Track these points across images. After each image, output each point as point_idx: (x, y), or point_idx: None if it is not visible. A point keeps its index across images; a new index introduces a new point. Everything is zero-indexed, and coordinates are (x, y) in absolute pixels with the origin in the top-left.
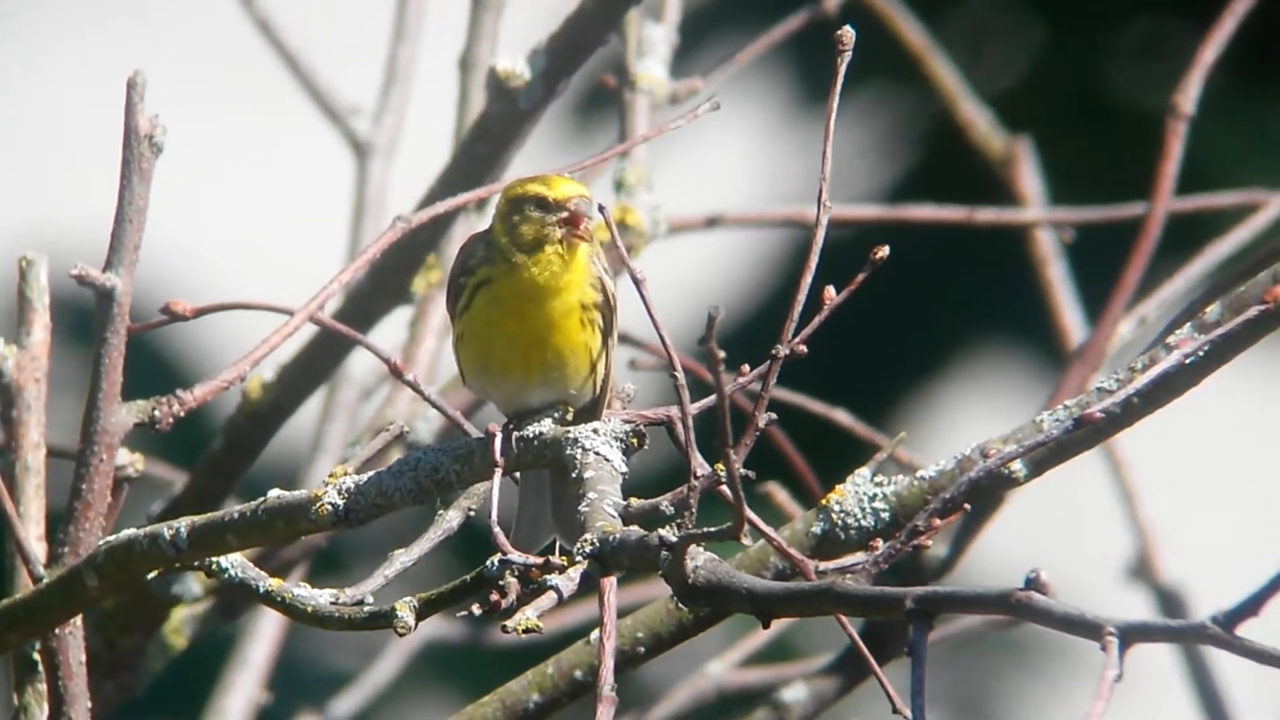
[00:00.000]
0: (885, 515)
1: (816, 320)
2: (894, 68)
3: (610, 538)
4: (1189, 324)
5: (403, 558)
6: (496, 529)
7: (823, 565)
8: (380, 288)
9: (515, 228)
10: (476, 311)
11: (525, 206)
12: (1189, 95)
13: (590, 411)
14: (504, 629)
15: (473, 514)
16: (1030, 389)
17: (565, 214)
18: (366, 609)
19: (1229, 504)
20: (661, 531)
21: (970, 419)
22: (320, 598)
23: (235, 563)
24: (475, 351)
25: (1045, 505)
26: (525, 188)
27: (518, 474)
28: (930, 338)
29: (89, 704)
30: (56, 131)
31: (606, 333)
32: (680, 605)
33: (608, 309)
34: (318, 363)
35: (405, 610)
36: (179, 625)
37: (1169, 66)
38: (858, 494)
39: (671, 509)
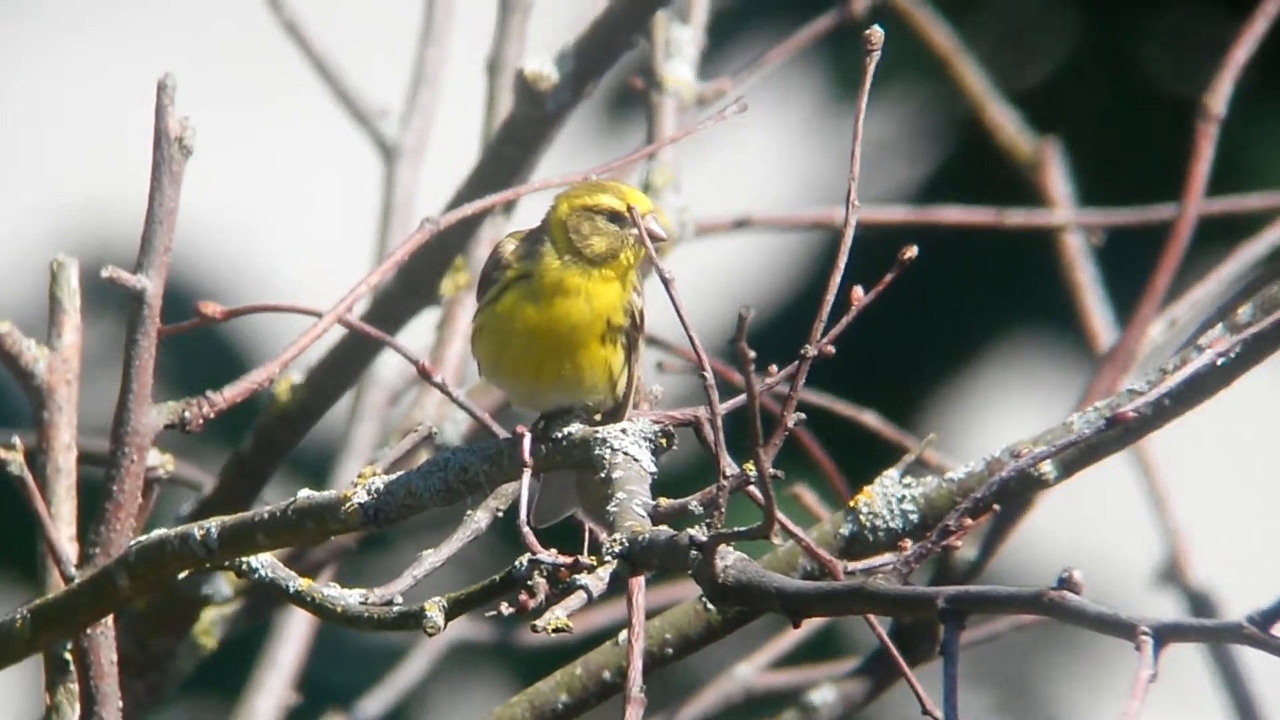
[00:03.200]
0: (914, 517)
1: (844, 320)
2: (923, 66)
3: (639, 537)
4: (1220, 325)
5: (431, 558)
6: (526, 530)
7: (851, 565)
8: (408, 290)
9: (585, 237)
10: (503, 307)
11: (597, 218)
12: (1220, 96)
13: (611, 419)
14: (533, 629)
15: (501, 514)
16: (1060, 391)
17: (638, 230)
18: (396, 609)
19: (1259, 508)
20: (691, 531)
21: (1000, 421)
22: (349, 598)
23: (265, 563)
24: (490, 348)
25: (1075, 509)
26: (595, 199)
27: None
28: (959, 337)
29: (120, 704)
30: (84, 129)
31: (630, 349)
32: (709, 605)
33: (633, 329)
34: (346, 365)
35: (434, 610)
36: (209, 626)
37: (1205, 58)
38: (886, 495)
39: (700, 509)
